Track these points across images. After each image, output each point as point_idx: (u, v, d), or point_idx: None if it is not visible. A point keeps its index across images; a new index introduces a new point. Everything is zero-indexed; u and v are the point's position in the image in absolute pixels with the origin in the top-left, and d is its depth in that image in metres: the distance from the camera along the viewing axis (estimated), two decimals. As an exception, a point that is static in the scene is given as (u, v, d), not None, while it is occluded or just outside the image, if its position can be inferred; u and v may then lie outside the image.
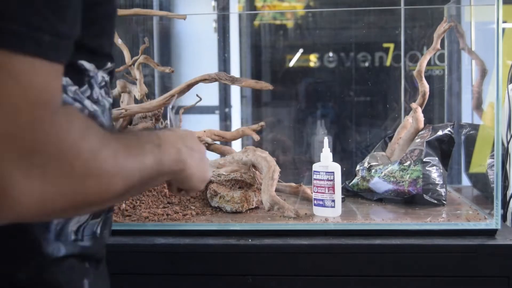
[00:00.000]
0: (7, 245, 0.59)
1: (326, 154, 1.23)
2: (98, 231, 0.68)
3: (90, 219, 0.67)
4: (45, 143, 0.48)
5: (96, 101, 0.68)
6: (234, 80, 1.34)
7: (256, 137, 1.42)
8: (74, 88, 0.64)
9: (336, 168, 1.21)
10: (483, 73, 1.56)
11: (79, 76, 0.65)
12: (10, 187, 0.46)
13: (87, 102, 0.66)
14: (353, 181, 1.41)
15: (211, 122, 2.98)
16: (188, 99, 1.50)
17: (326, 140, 1.25)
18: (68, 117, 0.51)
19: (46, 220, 0.61)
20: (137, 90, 1.39)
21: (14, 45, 0.48)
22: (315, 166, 1.23)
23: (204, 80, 1.36)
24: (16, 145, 0.47)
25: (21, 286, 0.59)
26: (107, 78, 0.71)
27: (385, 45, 2.96)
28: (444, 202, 1.29)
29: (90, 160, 0.51)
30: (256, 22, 3.09)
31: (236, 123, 3.02)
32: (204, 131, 1.42)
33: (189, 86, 1.39)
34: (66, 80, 0.63)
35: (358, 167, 1.42)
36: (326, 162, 1.22)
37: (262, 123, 1.45)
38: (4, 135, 0.46)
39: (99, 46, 0.66)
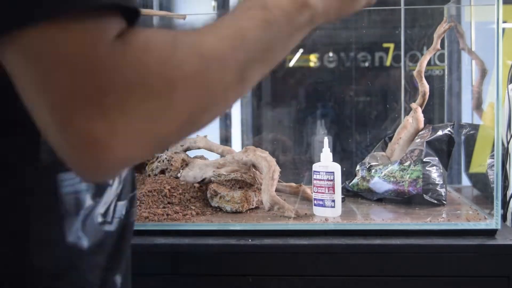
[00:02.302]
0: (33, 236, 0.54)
1: (326, 154, 1.23)
2: (124, 212, 0.63)
3: (116, 200, 0.62)
4: (114, 79, 0.42)
5: None
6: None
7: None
8: None
9: (336, 168, 1.21)
10: (483, 73, 1.56)
11: None
12: (97, 142, 0.41)
13: None
14: (353, 181, 1.41)
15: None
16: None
17: (326, 140, 1.25)
18: (146, 41, 0.44)
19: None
20: None
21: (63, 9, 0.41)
22: (315, 166, 1.23)
23: None
24: (85, 97, 0.41)
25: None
26: None
27: (385, 45, 2.95)
28: (444, 202, 1.29)
29: (170, 70, 0.43)
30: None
31: (236, 123, 3.02)
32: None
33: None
34: None
35: (358, 167, 1.42)
36: (326, 162, 1.22)
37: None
38: (71, 92, 0.41)
39: None
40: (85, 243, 0.57)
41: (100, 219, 0.59)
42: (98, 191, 0.59)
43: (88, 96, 0.41)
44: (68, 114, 0.41)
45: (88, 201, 0.57)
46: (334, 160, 1.23)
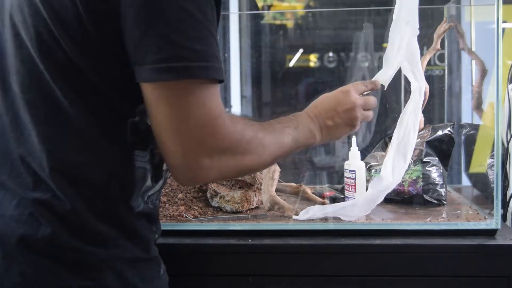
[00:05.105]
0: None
1: (354, 153, 1.27)
2: (157, 200, 0.87)
3: (159, 189, 0.85)
4: (221, 141, 0.74)
5: None
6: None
7: None
8: None
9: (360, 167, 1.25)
10: (483, 73, 1.56)
11: None
12: (200, 169, 0.73)
13: None
14: (353, 181, 1.41)
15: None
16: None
17: (354, 139, 1.27)
18: (232, 121, 0.75)
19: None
20: None
21: (201, 75, 0.70)
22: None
23: None
24: (204, 146, 0.73)
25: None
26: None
27: (385, 45, 2.95)
28: (444, 202, 1.29)
29: (247, 145, 0.78)
30: (256, 22, 3.09)
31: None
32: None
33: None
34: None
35: (358, 167, 1.42)
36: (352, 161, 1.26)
37: None
38: (197, 142, 0.72)
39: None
40: (139, 208, 0.81)
41: (146, 199, 0.82)
42: (156, 178, 0.84)
43: (207, 145, 0.73)
44: (190, 150, 0.72)
45: (148, 181, 0.82)
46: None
